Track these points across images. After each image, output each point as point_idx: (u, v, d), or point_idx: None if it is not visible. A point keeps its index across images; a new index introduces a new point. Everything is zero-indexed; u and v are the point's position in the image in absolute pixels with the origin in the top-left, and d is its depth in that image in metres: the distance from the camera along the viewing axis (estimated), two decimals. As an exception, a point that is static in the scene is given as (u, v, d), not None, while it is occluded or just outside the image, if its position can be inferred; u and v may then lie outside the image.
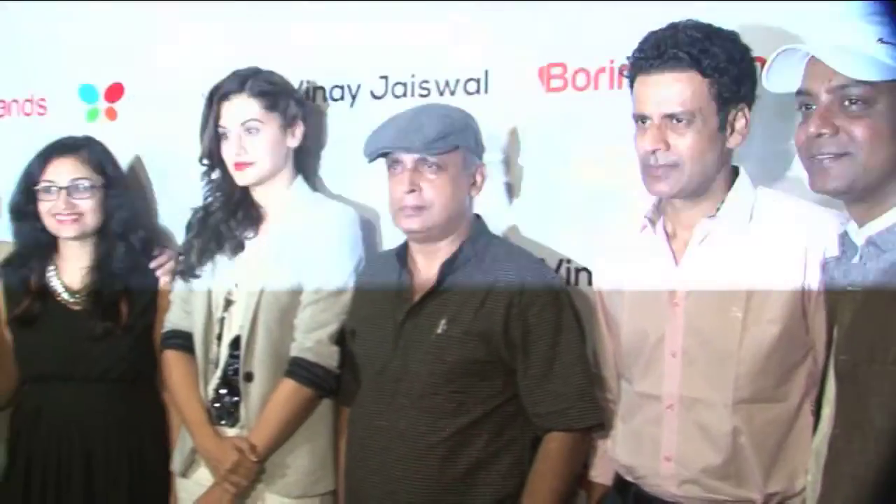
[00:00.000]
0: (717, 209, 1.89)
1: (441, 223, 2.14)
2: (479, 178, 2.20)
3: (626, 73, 1.98)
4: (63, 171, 2.50)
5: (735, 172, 1.93)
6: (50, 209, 2.51)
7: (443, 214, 2.13)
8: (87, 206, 2.51)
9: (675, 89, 1.81)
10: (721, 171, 1.90)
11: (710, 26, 1.85)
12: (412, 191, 2.10)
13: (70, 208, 2.49)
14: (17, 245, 2.62)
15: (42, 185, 2.51)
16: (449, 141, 2.10)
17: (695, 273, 1.90)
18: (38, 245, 2.57)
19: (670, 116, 1.83)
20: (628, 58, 1.93)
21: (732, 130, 1.87)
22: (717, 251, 1.89)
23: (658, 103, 1.83)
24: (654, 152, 1.84)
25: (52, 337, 2.51)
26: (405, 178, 2.11)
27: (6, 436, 2.57)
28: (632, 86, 1.91)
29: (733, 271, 1.87)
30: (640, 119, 1.88)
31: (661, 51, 1.82)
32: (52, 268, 2.58)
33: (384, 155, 2.16)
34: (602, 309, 2.13)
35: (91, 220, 2.52)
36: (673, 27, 1.85)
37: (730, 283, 1.87)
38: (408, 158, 2.11)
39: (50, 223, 2.52)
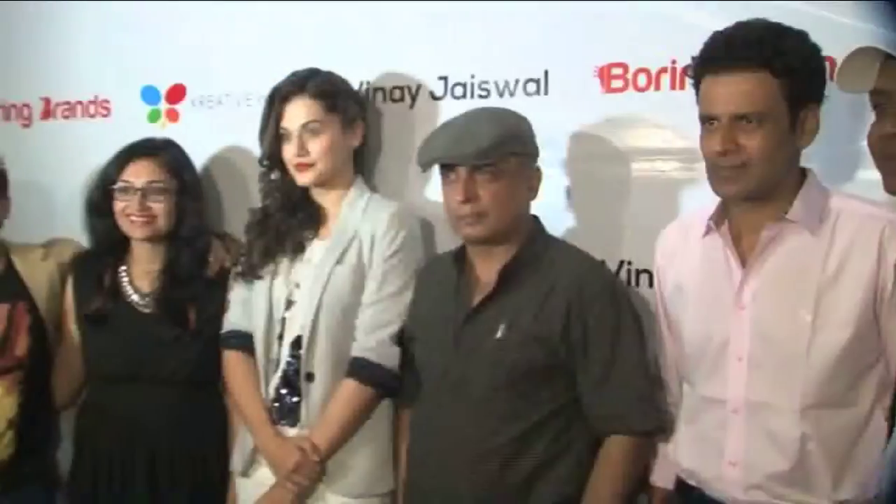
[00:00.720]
0: (786, 211, 1.85)
1: (500, 229, 2.13)
2: (535, 182, 2.18)
3: (689, 73, 1.95)
4: (140, 173, 2.53)
5: (803, 174, 1.89)
6: (124, 209, 2.53)
7: (501, 221, 2.11)
8: (161, 208, 2.53)
9: (746, 89, 1.78)
10: (790, 172, 1.86)
11: (779, 25, 1.82)
12: (468, 200, 2.09)
13: (143, 209, 2.51)
14: (91, 243, 2.65)
15: (119, 184, 2.54)
16: (503, 148, 2.08)
17: (762, 276, 1.87)
18: (111, 244, 2.60)
19: (741, 117, 1.79)
20: (693, 58, 1.90)
21: (802, 131, 1.83)
22: (786, 254, 1.85)
23: (728, 104, 1.80)
24: (723, 153, 1.81)
25: (120, 338, 2.53)
26: (460, 188, 2.09)
27: (72, 433, 2.61)
28: (697, 86, 1.88)
29: (802, 274, 1.83)
30: (709, 120, 1.85)
31: (732, 50, 1.79)
32: (123, 268, 2.61)
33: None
34: (663, 311, 2.10)
35: (163, 222, 2.54)
36: (742, 27, 1.82)
37: (798, 286, 1.83)
38: (462, 168, 2.10)
39: (123, 223, 2.54)
